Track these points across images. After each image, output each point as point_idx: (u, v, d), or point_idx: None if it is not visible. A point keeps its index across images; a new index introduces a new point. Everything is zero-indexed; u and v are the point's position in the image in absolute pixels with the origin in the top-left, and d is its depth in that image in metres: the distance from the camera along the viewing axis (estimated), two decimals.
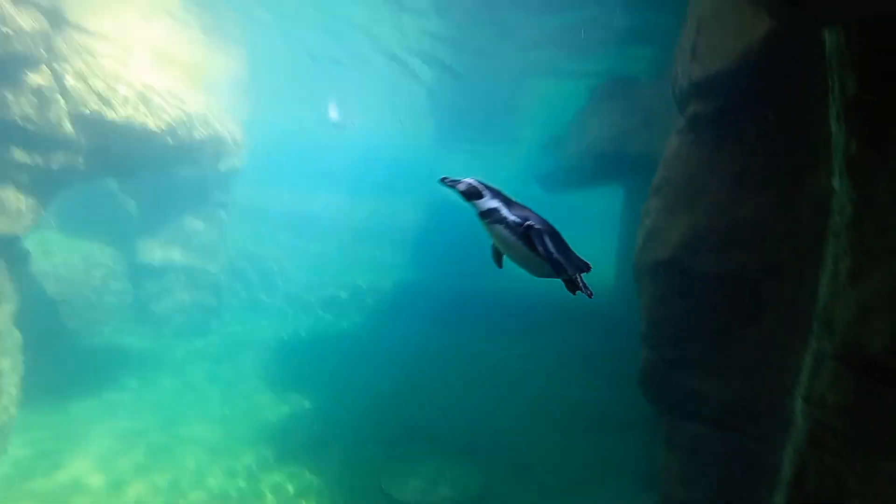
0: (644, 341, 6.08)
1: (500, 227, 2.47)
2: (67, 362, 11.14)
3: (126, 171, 9.53)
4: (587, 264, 2.49)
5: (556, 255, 2.38)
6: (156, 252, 14.22)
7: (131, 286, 14.01)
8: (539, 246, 2.39)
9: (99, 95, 8.10)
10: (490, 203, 2.48)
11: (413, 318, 16.46)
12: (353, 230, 21.72)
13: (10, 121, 7.16)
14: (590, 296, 2.44)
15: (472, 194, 2.50)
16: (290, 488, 8.79)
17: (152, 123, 8.67)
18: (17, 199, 7.74)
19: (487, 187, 2.51)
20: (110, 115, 8.18)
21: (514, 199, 2.54)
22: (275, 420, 11.23)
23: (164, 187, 13.25)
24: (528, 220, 2.44)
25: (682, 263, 5.50)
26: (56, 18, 7.60)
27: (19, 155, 7.61)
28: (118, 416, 10.16)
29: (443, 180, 2.54)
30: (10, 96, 7.13)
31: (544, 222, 2.48)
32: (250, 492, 8.59)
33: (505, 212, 2.46)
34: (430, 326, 16.25)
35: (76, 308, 12.38)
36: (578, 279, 2.48)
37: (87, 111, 8.01)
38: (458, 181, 2.52)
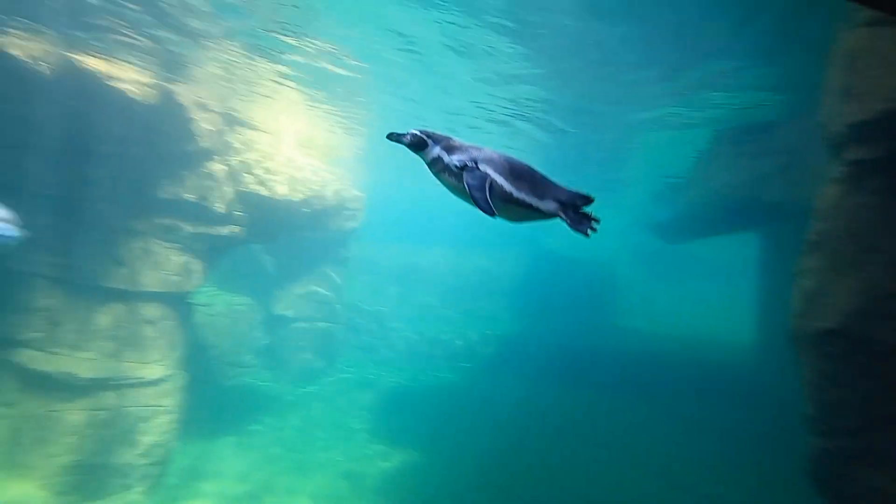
0: (813, 426, 5.17)
1: (445, 176, 2.30)
2: (213, 401, 12.74)
3: (271, 237, 11.06)
4: (584, 196, 2.25)
5: (475, 189, 2.12)
6: (286, 304, 15.98)
7: (266, 334, 15.80)
8: (466, 182, 2.15)
9: (256, 177, 9.69)
10: (434, 152, 2.31)
11: (521, 374, 16.01)
12: (461, 283, 22.26)
13: (191, 201, 8.84)
14: (586, 234, 2.21)
15: (417, 145, 2.34)
16: None
17: (294, 196, 10.06)
18: (191, 263, 9.38)
19: (432, 136, 2.34)
20: (264, 192, 9.70)
21: (467, 143, 2.34)
22: (384, 471, 11.43)
23: (296, 247, 15.07)
24: (474, 161, 2.22)
25: (855, 334, 4.70)
26: (228, 119, 9.43)
27: (195, 228, 9.30)
28: (252, 450, 11.24)
29: (389, 136, 2.42)
30: (193, 182, 8.85)
31: (501, 159, 2.25)
32: None
33: (447, 158, 2.28)
34: (539, 383, 15.61)
35: (223, 353, 14.25)
36: (563, 214, 2.23)
37: (247, 190, 9.59)
38: (403, 134, 2.36)
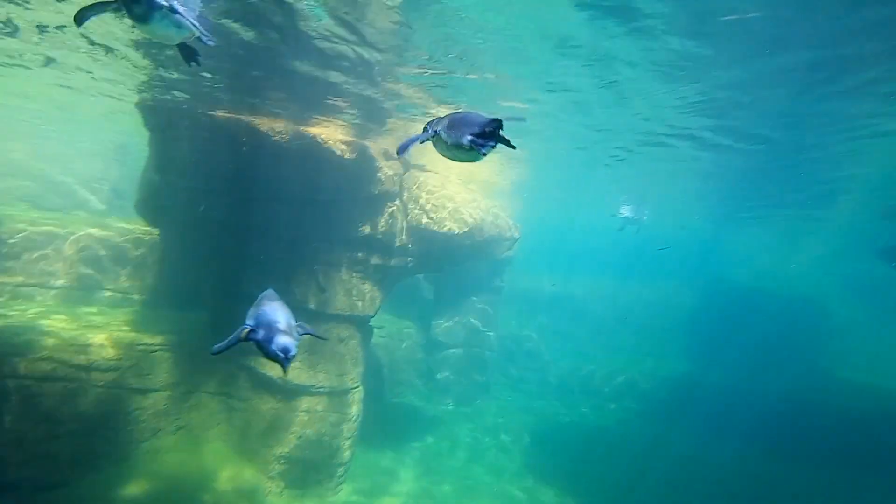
0: None
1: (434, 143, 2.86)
2: (380, 415, 14.09)
3: (436, 267, 12.00)
4: (493, 120, 2.54)
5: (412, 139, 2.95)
6: (442, 330, 16.97)
7: (425, 357, 16.97)
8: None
9: (425, 213, 10.72)
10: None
11: (693, 422, 14.11)
12: (620, 315, 20.83)
13: (375, 237, 10.18)
14: (483, 153, 2.57)
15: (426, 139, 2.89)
16: None
17: (458, 230, 10.82)
18: (371, 290, 10.72)
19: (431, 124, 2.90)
20: (432, 226, 10.66)
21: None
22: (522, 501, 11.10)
23: (454, 276, 16.02)
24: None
25: None
26: (406, 164, 10.69)
27: (377, 260, 10.65)
28: (413, 468, 12.05)
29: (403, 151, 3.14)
30: (377, 220, 10.20)
31: (449, 115, 2.77)
32: None
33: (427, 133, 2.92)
34: (714, 436, 13.55)
35: (391, 372, 15.75)
36: (466, 140, 2.56)
37: (418, 225, 10.67)
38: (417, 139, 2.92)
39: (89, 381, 7.65)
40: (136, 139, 11.47)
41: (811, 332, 17.80)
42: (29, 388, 6.95)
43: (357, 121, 9.91)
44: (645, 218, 14.83)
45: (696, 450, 13.31)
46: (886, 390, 14.44)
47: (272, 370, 9.57)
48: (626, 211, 14.69)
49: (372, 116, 9.77)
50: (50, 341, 7.53)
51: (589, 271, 23.26)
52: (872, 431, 12.12)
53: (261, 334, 2.78)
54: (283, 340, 2.50)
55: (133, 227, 11.27)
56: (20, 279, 9.59)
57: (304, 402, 9.82)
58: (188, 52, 3.50)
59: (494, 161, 13.22)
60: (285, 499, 9.41)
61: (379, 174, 9.73)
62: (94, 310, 9.97)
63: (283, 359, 2.68)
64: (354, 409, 10.54)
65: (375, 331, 15.13)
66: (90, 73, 8.76)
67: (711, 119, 8.43)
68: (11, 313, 8.34)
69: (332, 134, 8.79)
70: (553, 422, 15.92)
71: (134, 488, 7.63)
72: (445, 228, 10.78)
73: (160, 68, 7.96)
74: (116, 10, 2.90)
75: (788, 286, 20.06)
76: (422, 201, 10.88)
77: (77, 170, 15.46)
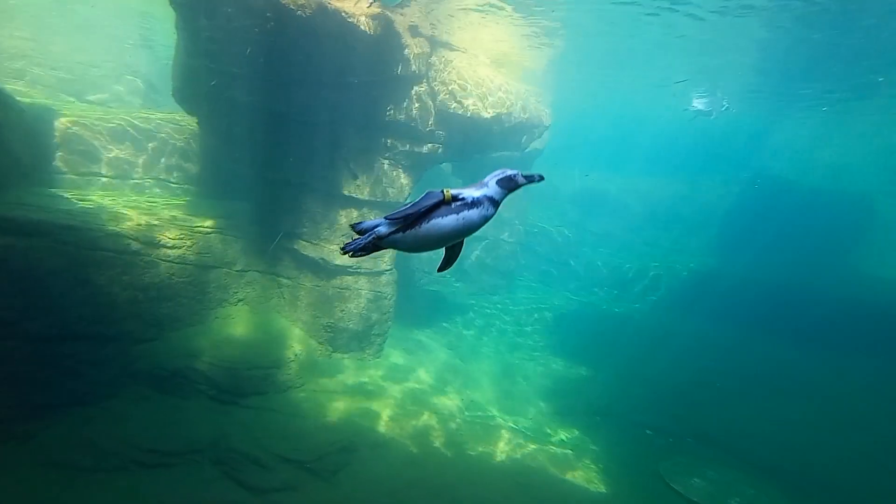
0: None
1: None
2: (413, 298, 15.27)
3: (464, 155, 12.03)
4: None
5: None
6: None
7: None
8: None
9: (453, 96, 10.50)
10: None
11: (710, 311, 14.69)
12: (654, 211, 20.62)
13: (403, 122, 10.18)
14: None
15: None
16: (570, 445, 9.64)
17: (487, 114, 10.63)
18: (402, 177, 11.01)
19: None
20: (459, 110, 10.50)
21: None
22: (551, 379, 12.37)
23: (481, 167, 16.01)
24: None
25: None
26: (433, 42, 10.23)
27: (404, 145, 10.75)
28: (444, 342, 13.37)
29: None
30: (404, 104, 10.11)
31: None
32: (540, 427, 9.92)
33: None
34: (731, 324, 14.15)
35: (420, 261, 16.66)
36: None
37: (446, 108, 10.52)
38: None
39: (159, 255, 8.62)
40: (165, 25, 11.25)
41: (853, 229, 17.25)
42: (112, 260, 7.94)
43: None
44: (725, 106, 13.68)
45: (714, 330, 14.00)
46: None
47: (312, 251, 10.40)
48: (699, 103, 13.69)
49: None
50: (120, 221, 8.39)
51: (626, 166, 22.60)
52: (881, 320, 12.30)
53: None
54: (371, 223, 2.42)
55: (173, 117, 11.63)
56: (79, 169, 10.35)
57: (344, 281, 10.76)
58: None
59: (525, 40, 12.37)
60: (334, 359, 10.80)
61: (405, 52, 9.43)
62: (148, 196, 10.80)
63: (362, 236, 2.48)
64: (389, 289, 11.48)
65: None
66: None
67: None
68: (79, 199, 9.19)
69: (356, 6, 8.42)
70: (579, 310, 16.84)
71: (209, 343, 8.96)
72: (475, 112, 10.61)
73: None
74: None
75: (832, 180, 19.03)
76: (450, 84, 10.59)
77: (112, 62, 15.56)
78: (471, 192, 2.38)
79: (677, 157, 23.46)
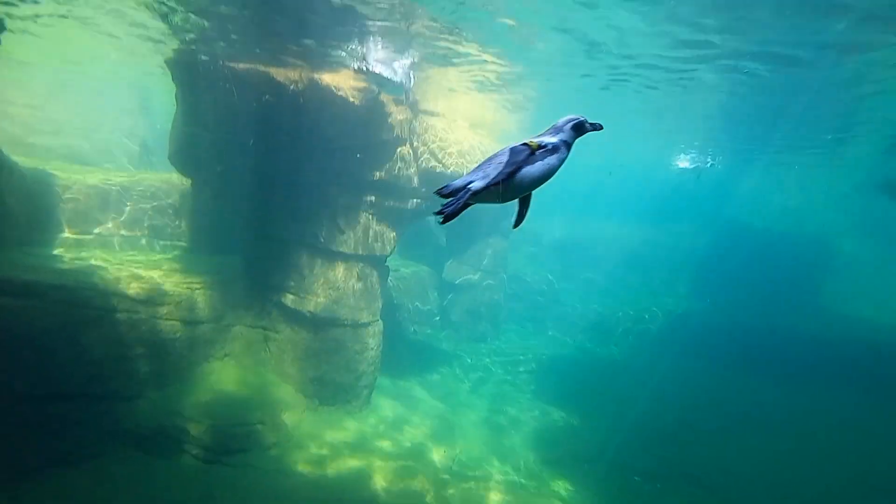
0: None
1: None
2: (400, 349, 15.40)
3: None
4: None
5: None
6: (456, 272, 17.95)
7: (439, 298, 18.09)
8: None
9: (434, 156, 11.32)
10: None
11: (689, 351, 15.10)
12: (628, 257, 21.47)
13: (388, 181, 10.88)
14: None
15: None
16: (563, 498, 9.63)
17: (466, 171, 11.41)
18: (386, 231, 11.57)
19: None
20: (440, 168, 11.28)
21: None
22: (540, 428, 12.43)
23: (465, 220, 16.73)
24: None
25: None
26: (415, 109, 11.17)
27: (389, 202, 11.40)
28: (431, 393, 13.41)
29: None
30: (389, 165, 10.86)
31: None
32: (531, 482, 9.91)
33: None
34: (710, 363, 14.55)
35: (407, 312, 16.95)
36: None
37: (428, 168, 11.30)
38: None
39: (148, 312, 8.83)
40: (161, 96, 12.11)
41: (815, 270, 18.24)
42: (102, 318, 8.14)
43: (368, 66, 10.33)
44: (710, 163, 14.50)
45: (693, 370, 14.35)
46: (883, 324, 15.06)
47: (299, 305, 10.69)
48: (685, 161, 14.56)
49: (385, 61, 10.18)
50: (111, 280, 8.66)
51: (602, 214, 23.68)
52: (869, 359, 12.86)
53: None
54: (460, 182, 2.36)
55: (168, 178, 12.18)
56: (75, 229, 10.70)
57: (330, 333, 10.98)
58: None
59: (499, 103, 13.51)
60: (321, 413, 10.80)
61: (390, 120, 10.28)
62: (140, 254, 11.11)
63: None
64: (375, 340, 11.70)
65: (393, 273, 16.16)
66: (118, 37, 9.34)
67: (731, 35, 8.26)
68: (74, 258, 9.47)
69: (344, 81, 9.30)
70: (564, 356, 17.09)
71: (193, 400, 8.99)
72: (453, 170, 11.39)
73: (185, 30, 8.49)
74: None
75: (797, 225, 20.28)
76: (431, 145, 11.44)
77: (109, 126, 16.31)
78: (549, 139, 2.46)
79: (651, 204, 24.72)
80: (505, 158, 2.37)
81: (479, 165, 2.40)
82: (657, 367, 14.92)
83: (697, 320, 16.48)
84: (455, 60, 10.33)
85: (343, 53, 9.39)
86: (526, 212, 2.63)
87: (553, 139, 2.49)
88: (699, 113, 13.80)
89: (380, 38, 8.84)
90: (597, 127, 2.63)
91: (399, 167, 11.06)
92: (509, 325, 19.34)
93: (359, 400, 11.36)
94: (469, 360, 16.26)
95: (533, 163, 2.38)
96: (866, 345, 13.84)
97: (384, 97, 10.00)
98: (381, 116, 10.13)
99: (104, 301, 8.27)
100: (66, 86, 15.96)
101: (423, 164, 11.34)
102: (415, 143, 11.38)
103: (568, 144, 2.52)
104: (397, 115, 10.44)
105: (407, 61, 10.25)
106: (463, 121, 13.05)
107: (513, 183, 2.35)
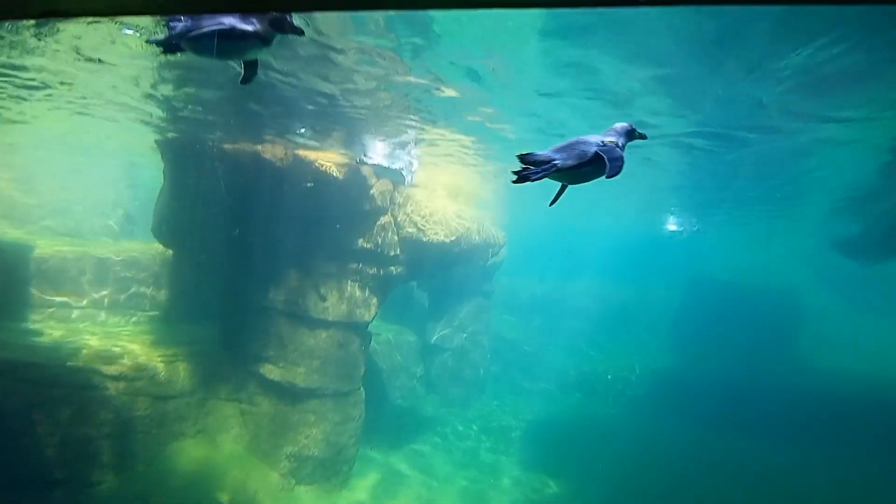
0: None
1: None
2: (383, 417, 14.93)
3: (427, 275, 12.98)
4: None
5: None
6: (439, 334, 17.88)
7: (423, 361, 17.86)
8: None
9: (415, 225, 11.73)
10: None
11: (673, 409, 15.03)
12: (606, 313, 21.78)
13: (370, 249, 11.17)
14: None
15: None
16: None
17: (445, 238, 11.82)
18: (368, 298, 11.67)
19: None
20: (421, 236, 11.66)
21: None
22: (526, 498, 11.96)
23: (447, 283, 16.99)
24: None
25: None
26: (396, 181, 11.73)
27: (371, 269, 11.61)
28: (415, 464, 12.88)
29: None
30: (370, 234, 11.20)
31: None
32: None
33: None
34: (693, 419, 14.46)
35: (390, 376, 16.63)
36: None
37: (408, 236, 11.67)
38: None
39: (118, 388, 8.56)
40: (146, 171, 12.48)
41: (786, 324, 18.80)
42: (70, 397, 7.85)
43: (349, 140, 10.96)
44: (696, 227, 14.88)
45: (675, 428, 14.20)
46: (856, 374, 15.42)
47: (278, 375, 10.48)
48: (673, 224, 15.05)
49: (361, 138, 10.84)
50: (84, 354, 8.45)
51: (581, 273, 24.26)
52: (840, 410, 13.03)
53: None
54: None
55: (148, 248, 12.24)
56: (53, 300, 10.53)
57: (310, 404, 10.70)
58: (252, 70, 3.48)
59: (476, 175, 14.28)
60: (297, 494, 10.24)
61: (371, 191, 10.75)
62: (117, 324, 10.90)
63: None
64: (357, 410, 11.42)
65: (374, 337, 16.04)
66: (116, 121, 9.84)
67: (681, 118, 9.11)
68: (49, 330, 9.26)
69: (328, 157, 9.83)
70: (548, 419, 16.77)
71: (160, 484, 8.49)
72: (433, 238, 11.79)
73: (176, 111, 9.02)
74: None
75: (765, 280, 21.10)
76: (412, 214, 11.89)
77: (93, 198, 16.50)
78: (611, 139, 2.99)
79: (627, 262, 25.50)
80: (586, 148, 2.86)
81: (558, 148, 2.88)
82: (643, 425, 14.76)
83: (680, 376, 16.57)
84: (438, 142, 11.06)
85: (330, 137, 10.01)
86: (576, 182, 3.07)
87: (612, 139, 3.00)
88: (665, 182, 14.77)
89: (364, 126, 9.50)
90: (642, 136, 3.20)
91: (381, 236, 11.41)
92: (495, 386, 19.03)
93: (339, 476, 10.86)
94: (455, 427, 15.80)
95: (613, 156, 2.87)
96: (840, 395, 14.04)
97: (366, 171, 10.53)
98: (364, 189, 10.60)
99: (74, 378, 8.03)
100: (51, 159, 16.32)
101: (405, 233, 11.73)
102: (396, 213, 11.83)
103: (622, 145, 3.04)
104: (379, 186, 10.94)
105: (404, 152, 10.96)
106: (442, 190, 13.69)
107: (580, 172, 2.86)
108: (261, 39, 2.94)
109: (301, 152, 9.66)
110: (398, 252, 11.75)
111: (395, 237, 11.73)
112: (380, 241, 11.36)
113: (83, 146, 14.83)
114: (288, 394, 10.61)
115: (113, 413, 8.37)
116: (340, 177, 9.82)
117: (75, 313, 10.73)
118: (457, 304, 18.03)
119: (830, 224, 16.21)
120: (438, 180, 13.66)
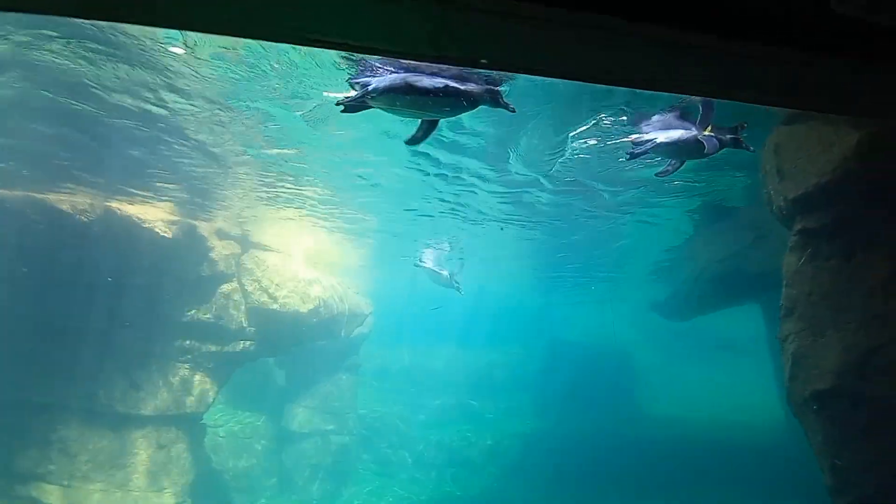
0: (835, 497, 4.98)
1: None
2: None
3: (282, 349, 11.42)
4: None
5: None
6: (298, 418, 15.68)
7: (279, 452, 15.29)
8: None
9: (266, 292, 10.38)
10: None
11: (543, 477, 15.04)
12: (472, 382, 21.79)
13: (208, 321, 9.42)
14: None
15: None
16: None
17: (303, 308, 10.63)
18: (202, 382, 9.65)
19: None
20: (273, 306, 10.30)
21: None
22: None
23: (307, 357, 15.24)
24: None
25: (849, 392, 4.79)
26: (244, 243, 10.39)
27: (208, 346, 9.76)
28: None
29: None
30: (209, 303, 9.52)
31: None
32: None
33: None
34: (563, 486, 14.58)
35: (235, 476, 13.74)
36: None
37: (258, 305, 10.22)
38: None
39: None
40: None
41: (625, 379, 21.05)
42: None
43: (184, 195, 9.40)
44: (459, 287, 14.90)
45: (549, 497, 14.12)
46: (680, 419, 17.63)
47: (60, 499, 7.72)
48: (430, 260, 14.72)
49: (204, 193, 9.43)
50: None
51: (446, 341, 24.30)
52: (674, 453, 14.39)
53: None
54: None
55: None
56: None
57: None
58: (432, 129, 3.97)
59: (340, 239, 13.54)
60: None
61: (211, 254, 9.27)
62: None
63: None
64: None
65: (214, 429, 13.32)
66: None
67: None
68: None
69: (152, 213, 8.25)
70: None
71: None
72: (289, 307, 10.51)
73: None
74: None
75: (607, 341, 23.67)
76: (263, 281, 10.53)
77: None
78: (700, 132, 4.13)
79: (487, 328, 26.46)
80: (690, 129, 4.02)
81: (662, 128, 3.87)
82: (521, 498, 14.40)
83: (546, 438, 16.97)
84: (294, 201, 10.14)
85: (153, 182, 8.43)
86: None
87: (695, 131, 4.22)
88: (507, 253, 15.90)
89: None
90: (741, 144, 4.52)
91: (223, 305, 9.77)
92: (363, 476, 17.05)
93: None
94: None
95: (709, 140, 4.03)
96: (665, 439, 15.67)
97: (205, 230, 9.11)
98: (202, 250, 9.09)
99: None
100: None
101: (254, 302, 10.26)
102: (244, 280, 10.36)
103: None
104: (222, 249, 9.52)
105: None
106: (301, 255, 12.57)
107: (697, 147, 4.13)
108: (471, 103, 3.33)
109: (116, 205, 7.95)
110: (246, 324, 10.14)
111: (243, 307, 10.16)
112: (222, 313, 9.69)
113: None
114: None
115: None
116: (169, 236, 8.26)
117: None
118: (320, 381, 16.20)
119: (646, 288, 19.03)
120: (297, 244, 12.54)
